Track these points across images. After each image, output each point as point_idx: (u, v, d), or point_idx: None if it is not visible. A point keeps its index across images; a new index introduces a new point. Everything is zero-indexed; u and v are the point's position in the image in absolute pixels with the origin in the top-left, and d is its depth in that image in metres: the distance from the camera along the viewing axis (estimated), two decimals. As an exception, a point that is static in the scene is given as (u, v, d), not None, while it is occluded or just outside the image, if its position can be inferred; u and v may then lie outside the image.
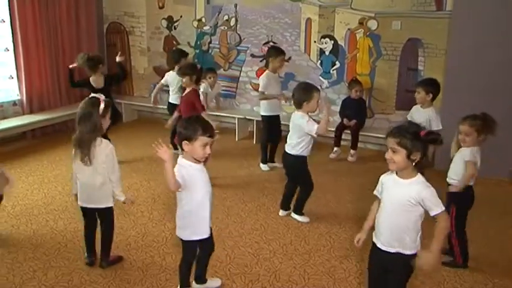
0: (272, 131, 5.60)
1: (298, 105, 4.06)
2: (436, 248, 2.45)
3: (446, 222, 2.47)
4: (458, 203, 3.47)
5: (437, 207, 2.43)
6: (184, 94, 5.11)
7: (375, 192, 2.73)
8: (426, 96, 4.64)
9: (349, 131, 6.10)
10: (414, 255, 2.52)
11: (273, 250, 3.82)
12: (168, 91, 6.24)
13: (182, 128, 2.78)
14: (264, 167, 5.66)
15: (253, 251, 3.80)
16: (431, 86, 4.68)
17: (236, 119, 6.83)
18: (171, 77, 6.06)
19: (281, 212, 4.44)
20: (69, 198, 4.37)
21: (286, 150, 4.22)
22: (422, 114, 4.59)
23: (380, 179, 2.70)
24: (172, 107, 5.79)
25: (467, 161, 3.38)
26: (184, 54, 6.28)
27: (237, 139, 6.81)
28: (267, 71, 5.49)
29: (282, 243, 3.93)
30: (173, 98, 6.06)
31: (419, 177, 2.50)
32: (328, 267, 3.60)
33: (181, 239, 2.99)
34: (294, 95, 4.11)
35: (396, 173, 2.55)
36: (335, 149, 6.13)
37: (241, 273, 3.49)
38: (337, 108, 6.29)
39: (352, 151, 6.05)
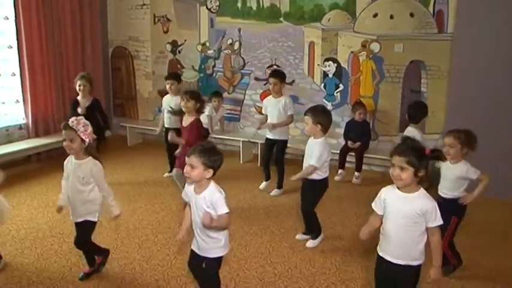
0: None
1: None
2: (438, 263, 2.66)
3: (440, 235, 2.64)
4: (460, 214, 3.64)
5: (436, 221, 2.58)
6: (189, 123, 4.84)
7: (373, 205, 2.82)
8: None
9: (353, 153, 6.10)
10: (420, 266, 2.67)
11: (278, 273, 3.79)
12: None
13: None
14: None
15: (258, 274, 3.77)
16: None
17: (240, 142, 6.84)
18: (167, 101, 6.06)
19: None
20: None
21: None
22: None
23: (380, 194, 2.79)
24: (167, 132, 5.81)
25: (478, 176, 3.53)
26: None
27: (241, 162, 6.82)
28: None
29: (287, 266, 3.91)
30: (167, 122, 5.98)
31: (421, 190, 2.63)
32: (334, 290, 3.57)
33: None
34: None
35: (398, 188, 2.65)
36: (339, 171, 6.12)
37: (246, 297, 3.46)
38: (341, 131, 6.31)
39: (356, 173, 6.05)
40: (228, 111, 7.24)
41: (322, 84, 6.64)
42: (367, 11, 6.17)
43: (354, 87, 6.47)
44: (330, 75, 6.57)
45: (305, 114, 4.09)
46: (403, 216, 2.62)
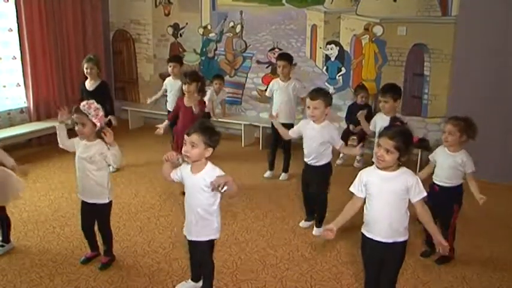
0: None
1: None
2: (438, 235, 2.74)
3: (424, 205, 2.70)
4: (460, 200, 3.63)
5: (420, 194, 2.64)
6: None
7: (352, 189, 2.87)
8: (395, 104, 4.49)
9: (355, 137, 6.09)
10: (406, 241, 2.74)
11: (280, 256, 3.81)
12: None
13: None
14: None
15: (259, 257, 3.79)
16: (398, 93, 4.57)
17: (242, 125, 6.83)
18: (170, 83, 6.03)
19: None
20: (76, 204, 4.36)
21: None
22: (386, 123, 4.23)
23: (360, 177, 2.83)
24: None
25: (470, 173, 3.53)
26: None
27: (243, 145, 6.82)
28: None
29: (288, 249, 3.92)
30: (171, 106, 5.81)
31: (402, 167, 2.67)
32: (334, 273, 3.59)
33: None
34: None
35: (379, 168, 2.70)
36: (341, 155, 6.11)
37: (247, 279, 3.48)
38: (343, 114, 6.29)
39: (358, 157, 6.03)
40: (230, 95, 7.22)
41: (324, 68, 6.61)
42: (370, -7, 6.11)
43: (356, 71, 6.44)
44: (332, 59, 6.53)
45: (313, 99, 3.90)
46: (390, 195, 2.66)
